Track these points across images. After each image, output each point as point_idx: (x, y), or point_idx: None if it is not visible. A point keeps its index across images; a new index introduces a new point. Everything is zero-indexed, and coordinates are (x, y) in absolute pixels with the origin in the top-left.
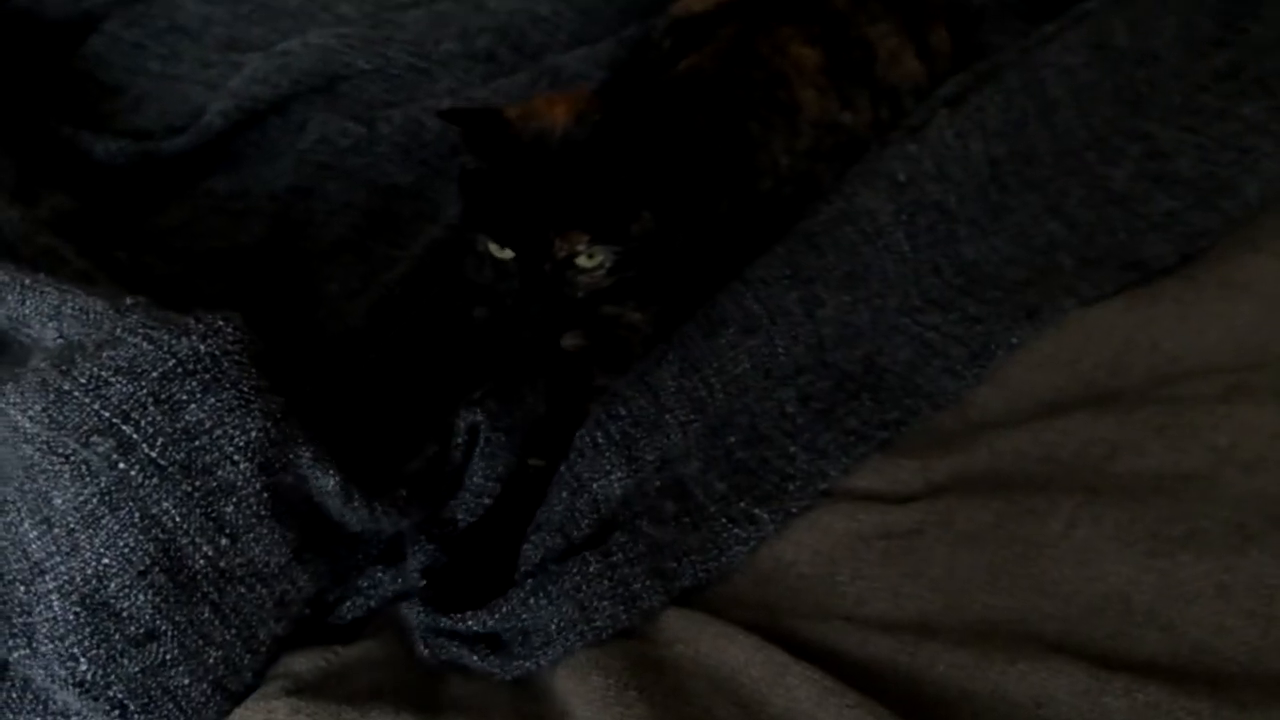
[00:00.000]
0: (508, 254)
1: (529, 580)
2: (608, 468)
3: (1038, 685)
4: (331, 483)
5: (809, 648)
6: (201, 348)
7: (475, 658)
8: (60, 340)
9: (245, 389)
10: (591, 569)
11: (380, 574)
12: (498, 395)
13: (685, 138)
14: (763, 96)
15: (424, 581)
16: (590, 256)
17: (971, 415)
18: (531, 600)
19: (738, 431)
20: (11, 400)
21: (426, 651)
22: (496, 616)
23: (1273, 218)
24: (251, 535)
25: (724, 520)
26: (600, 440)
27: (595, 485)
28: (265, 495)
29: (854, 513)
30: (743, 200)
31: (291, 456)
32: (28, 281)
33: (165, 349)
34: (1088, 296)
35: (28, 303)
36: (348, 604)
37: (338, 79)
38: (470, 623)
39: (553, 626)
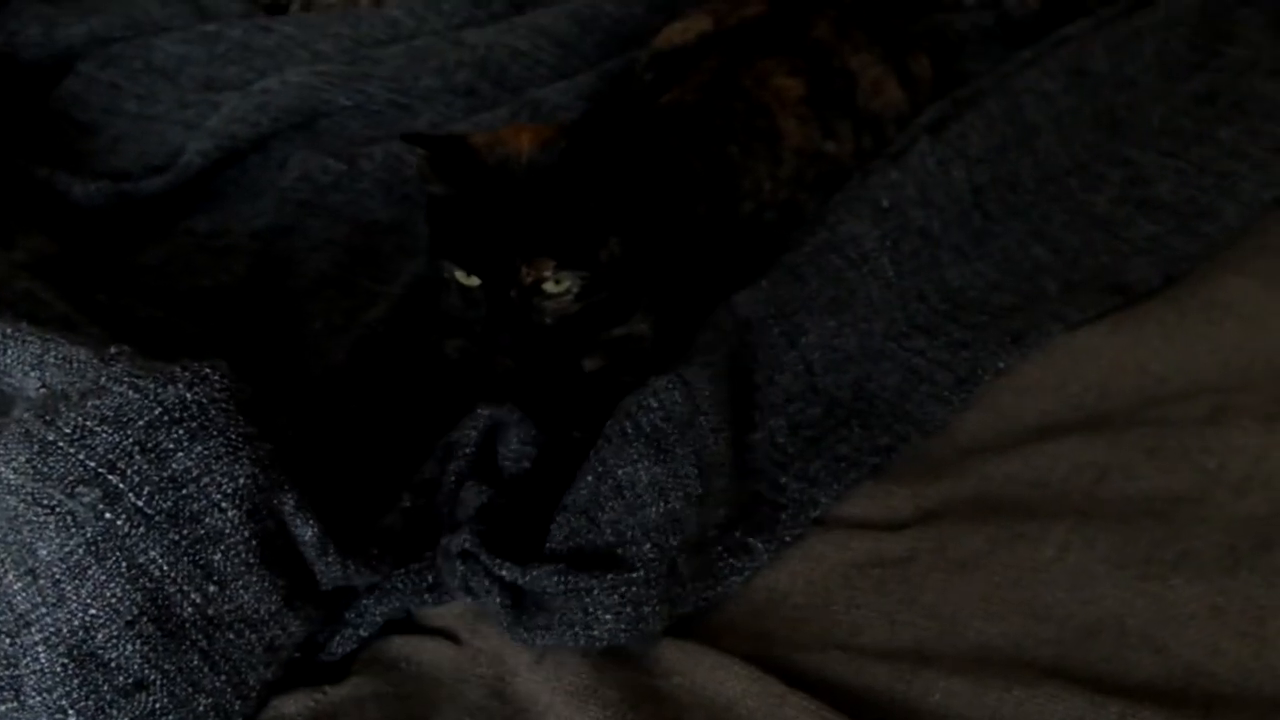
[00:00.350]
0: (474, 281)
1: (559, 562)
2: (635, 456)
3: (1034, 712)
4: (310, 533)
5: (805, 678)
6: (188, 395)
7: (498, 601)
8: (44, 389)
9: (232, 436)
10: (609, 577)
11: (366, 602)
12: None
13: (662, 163)
14: (744, 125)
15: (479, 524)
16: (557, 282)
17: (961, 441)
18: (551, 579)
19: (733, 467)
20: None
21: (460, 586)
22: (527, 578)
23: (1252, 239)
24: (240, 583)
25: (720, 549)
26: (629, 430)
27: (620, 472)
28: (254, 542)
29: (846, 541)
30: (726, 220)
31: (276, 503)
32: (9, 330)
33: (151, 397)
34: (1073, 321)
35: (9, 352)
36: (337, 639)
37: (318, 116)
38: (505, 572)
39: (556, 616)
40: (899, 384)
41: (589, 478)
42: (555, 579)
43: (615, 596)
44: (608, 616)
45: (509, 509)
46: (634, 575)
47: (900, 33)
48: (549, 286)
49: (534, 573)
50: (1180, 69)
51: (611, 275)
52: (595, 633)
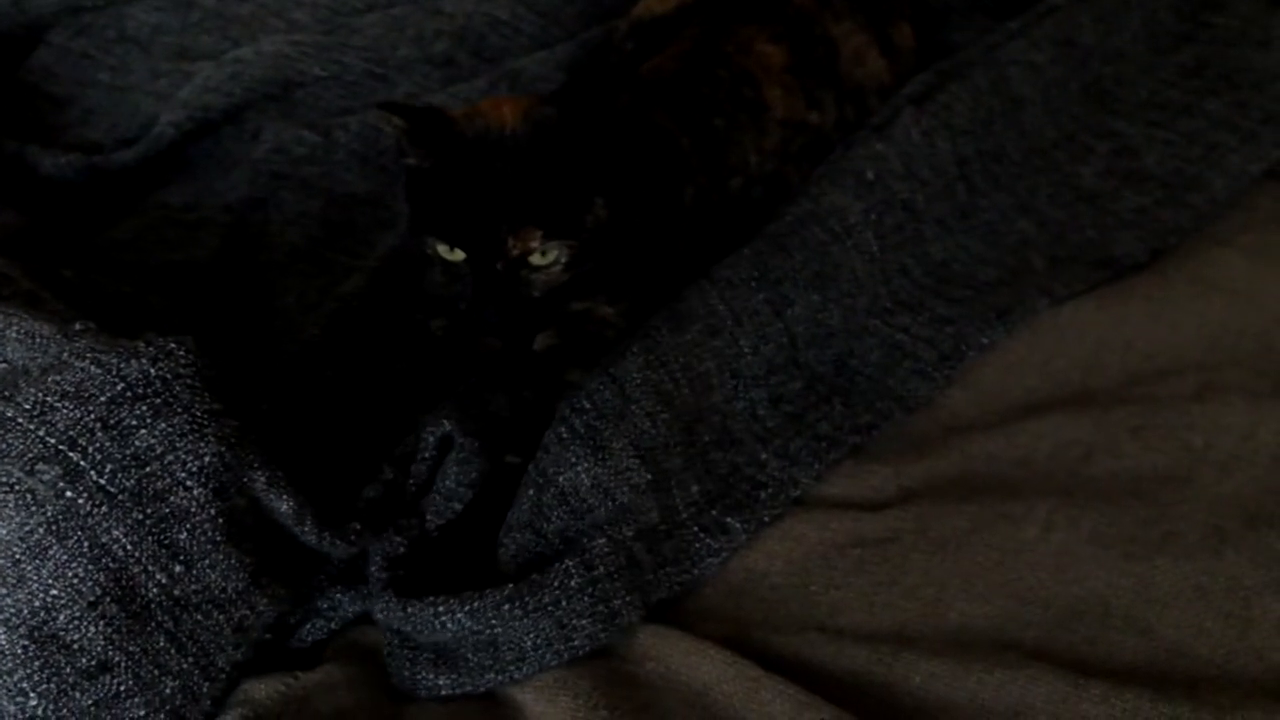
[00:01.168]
0: (458, 255)
1: (507, 586)
2: (573, 460)
3: (1016, 694)
4: (285, 506)
5: (783, 661)
6: (152, 371)
7: (440, 678)
8: (4, 365)
9: (198, 413)
10: (573, 583)
11: (339, 595)
12: (462, 405)
13: (646, 135)
14: (729, 94)
15: (387, 571)
16: (544, 254)
17: (944, 418)
18: (506, 607)
19: (710, 431)
20: None
21: (394, 674)
22: (466, 609)
23: (1240, 212)
24: (206, 561)
25: (695, 529)
26: (565, 435)
27: (561, 479)
28: (220, 520)
29: (826, 521)
30: (713, 198)
31: (246, 481)
32: None
33: (114, 373)
34: (1059, 295)
35: None
36: (308, 626)
37: (292, 86)
38: (440, 610)
39: (527, 642)
40: (882, 360)
41: (530, 491)
42: (506, 606)
43: (585, 599)
44: (583, 622)
45: (429, 548)
46: (596, 573)
47: (883, 1)
48: (536, 258)
49: (475, 604)
50: (1168, 40)
51: (598, 242)
52: (576, 642)
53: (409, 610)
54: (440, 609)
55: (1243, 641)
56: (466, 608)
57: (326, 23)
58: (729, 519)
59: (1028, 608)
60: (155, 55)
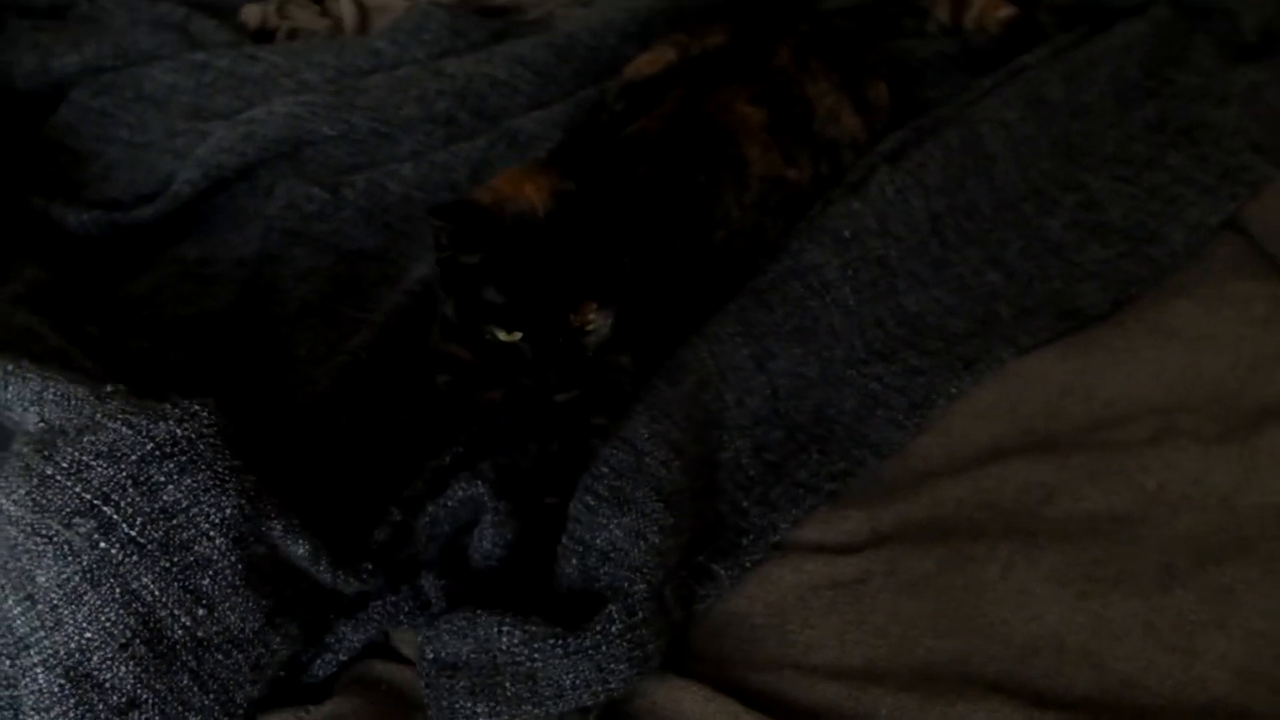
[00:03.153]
0: (516, 335)
1: (556, 627)
2: (603, 521)
3: None
4: (302, 550)
5: (761, 697)
6: (178, 431)
7: (478, 705)
8: (42, 425)
9: (220, 469)
10: (614, 629)
11: (345, 629)
12: (497, 465)
13: (641, 193)
14: (711, 153)
15: (446, 601)
16: (601, 320)
17: (914, 464)
18: (551, 642)
19: (701, 480)
20: None
21: (431, 704)
22: (522, 631)
23: (1198, 264)
24: (227, 605)
25: (684, 574)
26: (591, 502)
27: (598, 541)
28: (239, 567)
29: (802, 564)
30: (699, 250)
31: (264, 529)
32: (10, 368)
33: (144, 433)
34: (1025, 346)
35: (10, 388)
36: (318, 662)
37: (303, 144)
38: (505, 624)
39: (566, 680)
40: (857, 409)
41: (574, 560)
42: (555, 640)
43: (624, 644)
44: (621, 666)
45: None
46: (635, 619)
47: (858, 60)
48: (592, 326)
49: (529, 629)
50: (1134, 95)
51: (629, 294)
52: (612, 685)
53: (477, 628)
54: (504, 624)
55: (1189, 674)
56: (520, 631)
57: (334, 83)
58: (714, 565)
59: (989, 644)
60: (172, 114)
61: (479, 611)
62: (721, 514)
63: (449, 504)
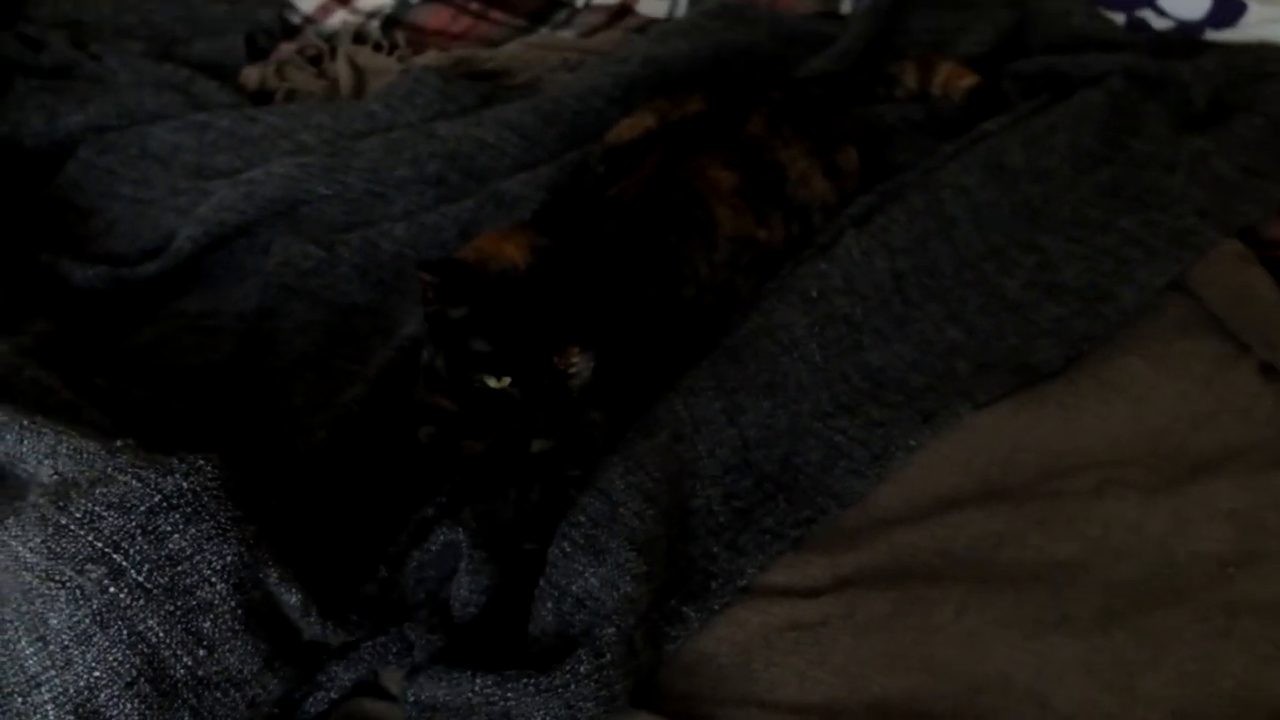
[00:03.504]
0: (505, 382)
1: (529, 676)
2: (579, 568)
3: None
4: (294, 599)
5: None
6: (184, 484)
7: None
8: (56, 477)
9: (222, 520)
10: (583, 669)
11: (336, 668)
12: (476, 513)
13: (615, 253)
14: (682, 215)
15: (428, 654)
16: (583, 363)
17: (875, 512)
18: (524, 681)
19: (675, 526)
20: (13, 533)
21: None
22: (493, 680)
23: (1145, 323)
24: (227, 647)
25: (657, 617)
26: (568, 548)
27: (574, 587)
28: (239, 611)
29: (768, 607)
30: (669, 305)
31: (261, 576)
32: (26, 423)
33: (152, 486)
34: (981, 401)
35: (25, 442)
36: (311, 699)
37: (300, 203)
38: (476, 681)
39: (537, 717)
40: (822, 460)
41: (549, 604)
42: (527, 680)
43: (592, 684)
44: (589, 704)
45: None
46: (603, 660)
47: (829, 127)
48: (575, 368)
49: (506, 673)
50: (1090, 161)
51: (608, 338)
52: None
53: (452, 676)
54: (476, 680)
55: (1126, 712)
56: (493, 675)
57: (331, 144)
58: (684, 608)
59: (939, 682)
60: (174, 172)
61: (454, 670)
62: (693, 558)
63: (432, 549)
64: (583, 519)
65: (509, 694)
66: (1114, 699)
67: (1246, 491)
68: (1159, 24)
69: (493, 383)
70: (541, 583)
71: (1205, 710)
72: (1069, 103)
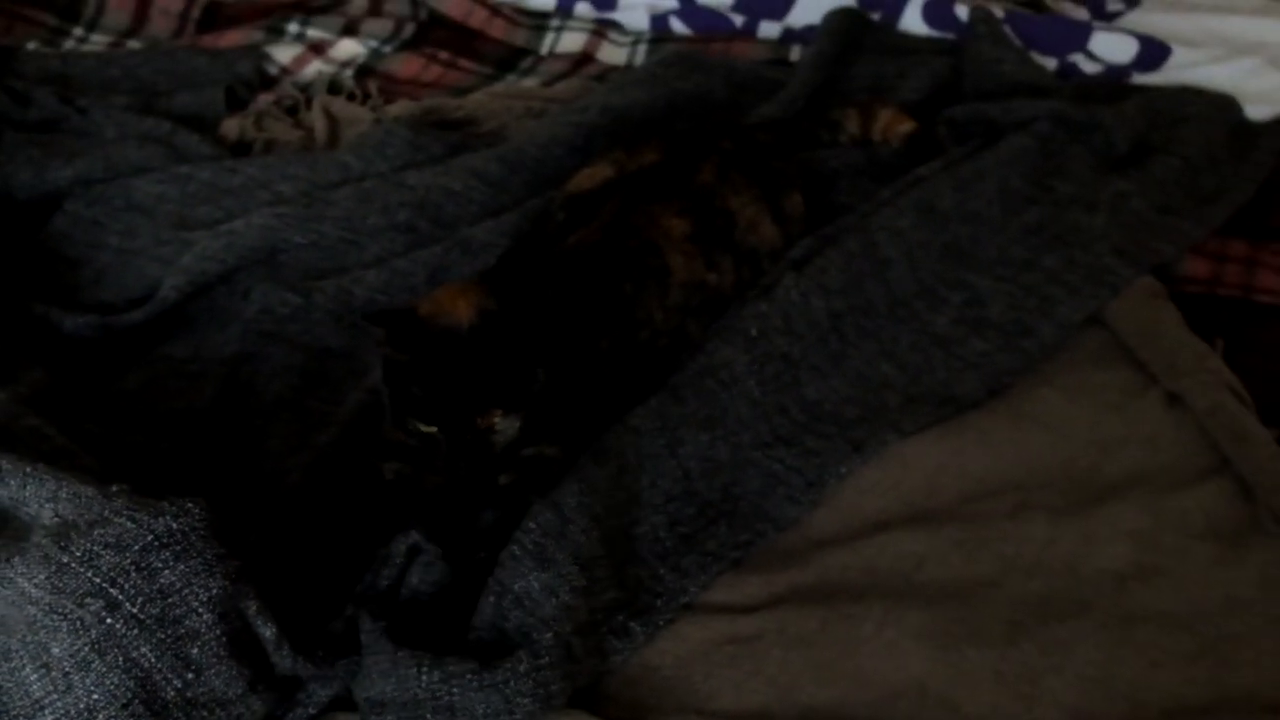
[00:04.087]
0: (433, 429)
1: (471, 662)
2: (525, 570)
3: None
4: (269, 632)
5: None
6: (174, 525)
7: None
8: (57, 519)
9: (208, 556)
10: (521, 668)
11: (314, 687)
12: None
13: (572, 302)
14: (637, 263)
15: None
16: (506, 424)
17: (809, 534)
18: (467, 678)
19: (623, 549)
20: (19, 570)
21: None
22: (439, 671)
23: (1063, 355)
24: (213, 671)
25: (605, 630)
26: (518, 552)
27: (516, 586)
28: (224, 639)
29: (708, 622)
30: (624, 348)
31: (241, 607)
32: (29, 469)
33: (145, 527)
34: (907, 430)
35: (28, 487)
36: (290, 716)
37: (277, 252)
38: (423, 665)
39: (479, 710)
40: (760, 487)
41: (491, 598)
42: (470, 675)
43: (529, 682)
44: (525, 700)
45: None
46: (542, 661)
47: (777, 174)
48: (498, 428)
49: (449, 667)
50: (1017, 203)
51: (541, 402)
52: (516, 716)
53: (399, 656)
54: (423, 665)
55: (1030, 714)
56: (438, 670)
57: (307, 195)
58: (631, 624)
59: (863, 690)
60: (159, 222)
61: (400, 652)
62: (640, 579)
63: (396, 559)
64: (534, 527)
65: (454, 688)
66: (1019, 703)
67: (1147, 513)
68: (1089, 68)
69: (423, 427)
70: (490, 580)
71: (1103, 711)
72: (998, 147)
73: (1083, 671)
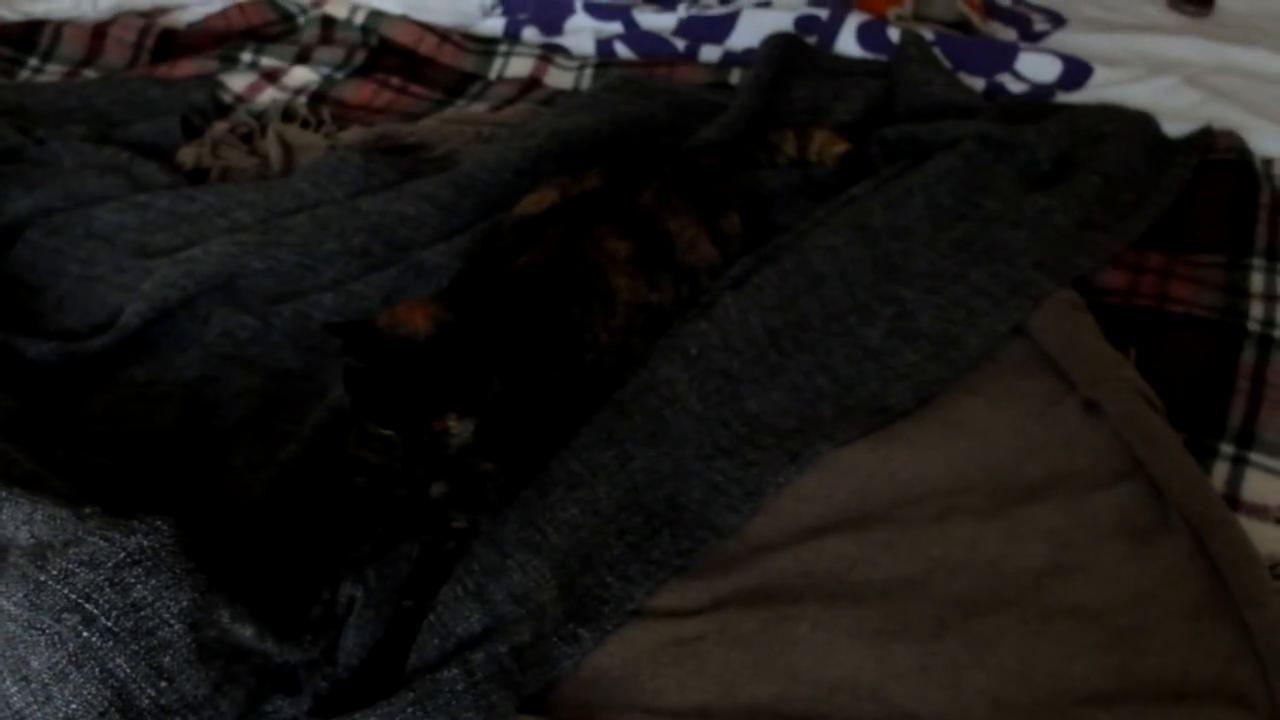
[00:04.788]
0: (389, 432)
1: (409, 694)
2: (466, 614)
3: None
4: (248, 632)
5: None
6: (145, 542)
7: None
8: (33, 540)
9: (178, 571)
10: (459, 687)
11: (281, 701)
12: (378, 561)
13: (522, 324)
14: (583, 285)
15: (315, 701)
16: (460, 427)
17: (749, 541)
18: (410, 710)
19: (577, 560)
20: None
21: None
22: (378, 714)
23: (987, 366)
24: (183, 677)
25: (555, 639)
26: (460, 593)
27: (459, 629)
28: (194, 646)
29: (655, 626)
30: (572, 372)
31: (214, 617)
32: (4, 494)
33: (117, 545)
34: (841, 440)
35: (4, 510)
36: None
37: (236, 277)
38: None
39: None
40: (703, 497)
41: (435, 640)
42: (414, 708)
43: (469, 697)
44: (470, 714)
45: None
46: (475, 678)
47: (715, 195)
48: (453, 430)
49: (383, 710)
50: (945, 219)
51: (496, 408)
52: None
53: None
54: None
55: (955, 705)
56: (376, 714)
57: (264, 222)
58: (580, 630)
59: (799, 686)
60: (119, 250)
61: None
62: (589, 588)
63: (339, 603)
64: (476, 567)
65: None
66: (945, 694)
67: (1064, 514)
68: (1016, 87)
69: (381, 431)
70: (432, 618)
71: (1022, 700)
72: (926, 166)
73: (1004, 664)
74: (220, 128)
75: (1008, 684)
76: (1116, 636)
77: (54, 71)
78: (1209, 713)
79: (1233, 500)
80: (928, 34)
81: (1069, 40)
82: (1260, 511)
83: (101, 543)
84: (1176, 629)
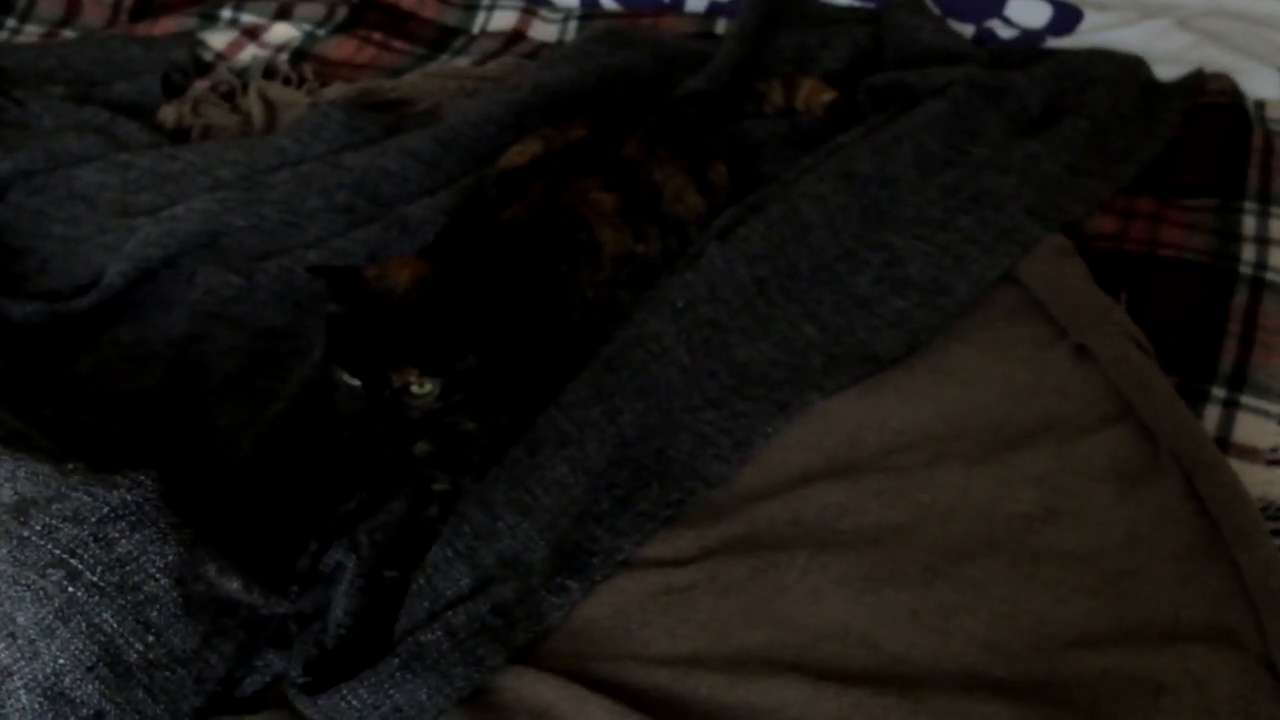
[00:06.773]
0: (355, 382)
1: (395, 659)
2: (457, 576)
3: (774, 697)
4: (235, 585)
5: (606, 682)
6: (128, 497)
7: None
8: (16, 497)
9: (162, 525)
10: (445, 646)
11: (272, 655)
12: (368, 519)
13: (506, 282)
14: (569, 239)
15: (303, 677)
16: (421, 385)
17: (738, 490)
18: (398, 675)
19: (569, 520)
20: None
21: None
22: (365, 685)
23: (977, 312)
24: (171, 630)
25: (544, 593)
26: (450, 555)
27: (449, 592)
28: (180, 600)
29: (644, 576)
30: (559, 328)
31: (200, 571)
32: None
33: (101, 500)
34: (829, 390)
35: None
36: (249, 680)
37: (219, 235)
38: (345, 694)
39: (423, 695)
40: (691, 449)
41: (424, 603)
42: (398, 674)
43: (457, 654)
44: (459, 669)
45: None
46: (459, 636)
47: (701, 145)
48: (415, 389)
49: (371, 680)
50: (934, 165)
51: (468, 382)
52: (459, 684)
53: (320, 704)
54: (344, 693)
55: (945, 650)
56: (365, 685)
57: (246, 179)
58: (569, 582)
59: (788, 633)
60: (101, 211)
61: (320, 700)
62: (578, 541)
63: (327, 567)
64: (466, 529)
65: (390, 690)
66: (935, 639)
67: (1054, 459)
68: (1005, 33)
69: (346, 378)
70: (421, 581)
71: (1012, 643)
72: (915, 112)
73: (994, 608)
74: (201, 86)
75: (998, 628)
76: (1107, 580)
77: (32, 32)
78: (1200, 654)
79: (1224, 443)
80: None
81: None
82: (1251, 454)
83: (85, 498)
84: (1167, 571)
